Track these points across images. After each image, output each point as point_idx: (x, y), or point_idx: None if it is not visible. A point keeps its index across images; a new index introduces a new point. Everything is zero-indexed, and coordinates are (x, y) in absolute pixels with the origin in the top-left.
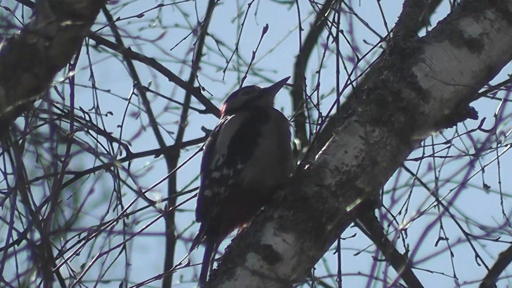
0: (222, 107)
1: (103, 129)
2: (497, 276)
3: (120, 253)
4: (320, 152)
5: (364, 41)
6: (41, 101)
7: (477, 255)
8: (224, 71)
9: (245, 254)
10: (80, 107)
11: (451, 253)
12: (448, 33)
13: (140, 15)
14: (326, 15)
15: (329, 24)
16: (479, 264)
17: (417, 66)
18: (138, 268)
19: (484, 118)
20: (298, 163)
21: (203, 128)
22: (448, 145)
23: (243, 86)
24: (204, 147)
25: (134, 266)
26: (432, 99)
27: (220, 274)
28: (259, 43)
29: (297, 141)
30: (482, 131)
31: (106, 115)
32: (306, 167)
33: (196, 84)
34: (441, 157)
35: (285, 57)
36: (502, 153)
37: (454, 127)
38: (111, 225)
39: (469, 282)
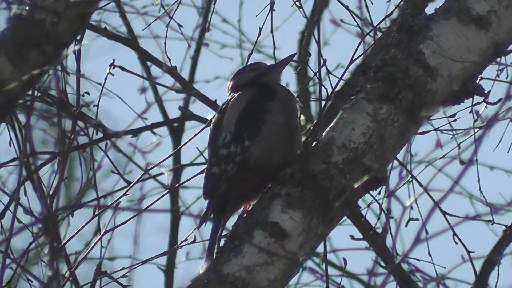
0: (228, 83)
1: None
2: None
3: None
4: (328, 129)
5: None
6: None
7: (454, 234)
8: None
9: (253, 232)
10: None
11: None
12: (455, 11)
13: None
14: None
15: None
16: (456, 243)
17: (424, 43)
18: (143, 245)
19: (489, 91)
20: (304, 139)
21: (180, 107)
22: (454, 118)
23: (248, 63)
24: (211, 124)
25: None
26: (439, 76)
27: (227, 251)
28: (265, 20)
29: (301, 117)
30: (488, 104)
31: (83, 95)
32: (313, 144)
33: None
34: (447, 130)
35: (289, 34)
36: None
37: (462, 104)
38: (116, 202)
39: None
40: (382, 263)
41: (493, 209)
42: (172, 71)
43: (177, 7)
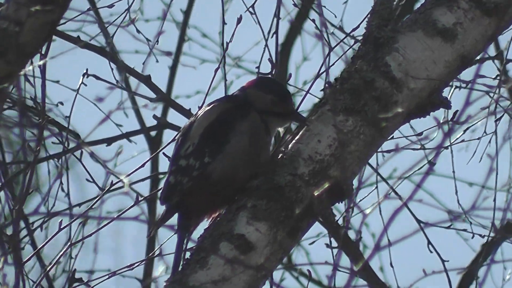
0: (249, 82)
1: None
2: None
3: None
4: (294, 141)
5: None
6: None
7: (429, 242)
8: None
9: (218, 244)
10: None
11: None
12: (421, 23)
13: (111, 6)
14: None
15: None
16: (431, 251)
17: (390, 55)
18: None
19: (457, 111)
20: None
21: (155, 116)
22: (421, 137)
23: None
24: (181, 129)
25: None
26: (405, 88)
27: (193, 263)
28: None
29: (280, 129)
30: (455, 123)
31: (57, 105)
32: (279, 156)
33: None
34: (412, 149)
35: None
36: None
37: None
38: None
39: (437, 271)
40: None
41: (452, 215)
42: (148, 81)
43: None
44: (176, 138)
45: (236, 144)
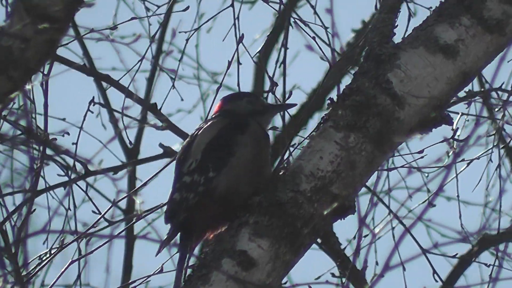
0: (218, 105)
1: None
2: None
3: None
4: (295, 157)
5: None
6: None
7: (434, 272)
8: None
9: (220, 260)
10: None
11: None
12: (423, 39)
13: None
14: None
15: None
16: (436, 281)
17: (392, 72)
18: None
19: (457, 129)
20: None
21: (161, 145)
22: (421, 155)
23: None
24: (180, 148)
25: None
26: (407, 105)
27: (195, 279)
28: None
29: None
30: (456, 141)
31: (63, 135)
32: (281, 172)
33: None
34: (415, 167)
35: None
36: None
37: (430, 133)
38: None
39: None
40: None
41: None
42: (154, 108)
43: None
44: (177, 157)
45: (241, 157)
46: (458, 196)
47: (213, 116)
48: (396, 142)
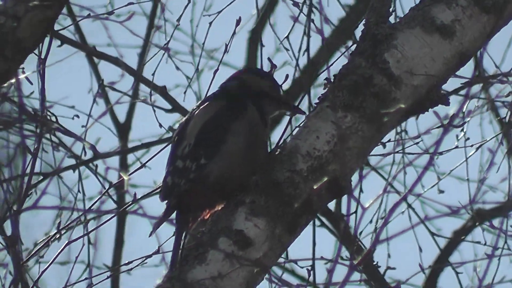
0: (239, 73)
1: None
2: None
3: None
4: (292, 137)
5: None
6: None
7: (433, 234)
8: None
9: (217, 239)
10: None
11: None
12: (420, 20)
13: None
14: None
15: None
16: (436, 242)
17: (389, 52)
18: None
19: (454, 115)
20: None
21: (170, 128)
22: (418, 140)
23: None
24: (178, 125)
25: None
26: (403, 85)
27: (192, 259)
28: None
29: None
30: (453, 127)
31: (73, 118)
32: (277, 152)
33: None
34: (409, 153)
35: (240, 34)
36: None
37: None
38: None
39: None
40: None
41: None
42: (163, 91)
43: None
44: (173, 136)
45: (233, 145)
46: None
47: (216, 92)
48: (392, 122)
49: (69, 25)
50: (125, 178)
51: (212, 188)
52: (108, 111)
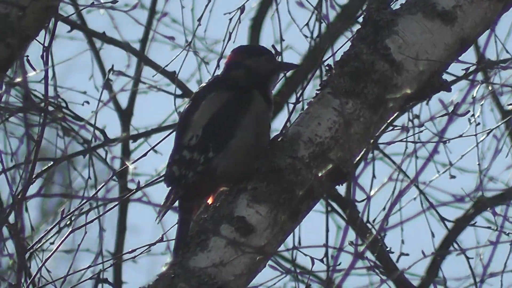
0: (232, 55)
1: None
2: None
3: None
4: (294, 123)
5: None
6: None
7: (442, 218)
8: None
9: (219, 226)
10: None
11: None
12: (421, 6)
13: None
14: None
15: None
16: (446, 227)
17: (390, 38)
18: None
19: (457, 103)
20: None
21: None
22: (421, 129)
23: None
24: (182, 112)
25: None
26: (405, 71)
27: (194, 245)
28: None
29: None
30: (456, 116)
31: (82, 104)
32: (279, 138)
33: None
34: (412, 142)
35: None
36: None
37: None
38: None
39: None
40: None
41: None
42: (173, 77)
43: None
44: (177, 123)
45: (241, 140)
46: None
47: (219, 76)
48: (394, 108)
49: (72, 14)
50: (130, 166)
51: (219, 180)
52: (112, 97)
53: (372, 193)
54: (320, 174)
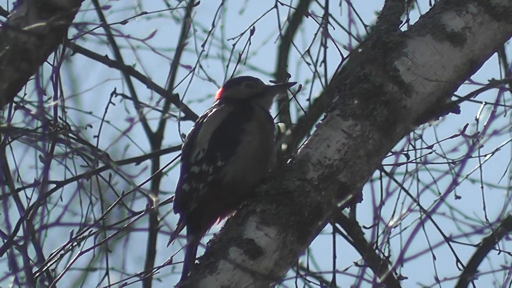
0: (218, 92)
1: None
2: (474, 271)
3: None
4: (303, 145)
5: (344, 47)
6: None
7: (458, 261)
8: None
9: (228, 248)
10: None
11: (433, 256)
12: (430, 27)
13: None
14: None
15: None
16: (459, 269)
17: (399, 60)
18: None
19: (467, 124)
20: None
21: (183, 135)
22: (430, 150)
23: (239, 76)
24: (186, 136)
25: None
26: (414, 93)
27: (203, 268)
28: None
29: (281, 125)
30: (465, 137)
31: (85, 128)
32: (288, 161)
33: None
34: (422, 163)
35: (269, 40)
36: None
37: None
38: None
39: (449, 278)
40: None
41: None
42: (174, 98)
43: None
44: (182, 146)
45: (247, 145)
46: (482, 187)
47: (216, 103)
48: (403, 130)
49: (84, 33)
50: (154, 199)
51: (227, 190)
52: (134, 123)
53: (391, 223)
54: (339, 205)
